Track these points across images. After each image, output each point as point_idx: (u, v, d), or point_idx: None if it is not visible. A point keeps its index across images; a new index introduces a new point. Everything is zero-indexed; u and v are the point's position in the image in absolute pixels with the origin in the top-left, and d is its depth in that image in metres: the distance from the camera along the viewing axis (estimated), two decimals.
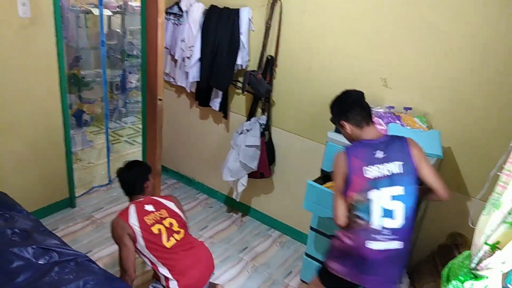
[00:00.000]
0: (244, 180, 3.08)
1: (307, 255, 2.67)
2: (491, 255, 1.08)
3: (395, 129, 2.28)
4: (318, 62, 2.74)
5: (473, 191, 2.39)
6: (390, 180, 1.77)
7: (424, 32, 2.31)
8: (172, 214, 2.26)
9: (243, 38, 2.94)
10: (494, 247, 1.08)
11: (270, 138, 3.09)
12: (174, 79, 3.44)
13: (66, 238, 2.87)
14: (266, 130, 3.04)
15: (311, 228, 2.59)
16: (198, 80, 3.18)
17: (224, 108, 3.26)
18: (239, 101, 3.25)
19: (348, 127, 1.90)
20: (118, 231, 2.14)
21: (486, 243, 1.10)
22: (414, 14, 2.32)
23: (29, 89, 2.74)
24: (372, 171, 1.78)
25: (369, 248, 1.77)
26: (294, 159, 3.08)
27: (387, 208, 1.76)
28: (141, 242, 2.11)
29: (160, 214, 2.22)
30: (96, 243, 2.93)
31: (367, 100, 1.98)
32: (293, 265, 2.98)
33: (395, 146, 1.82)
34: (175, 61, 3.36)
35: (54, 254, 2.02)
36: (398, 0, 2.35)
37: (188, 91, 3.36)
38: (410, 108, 2.43)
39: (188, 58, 3.17)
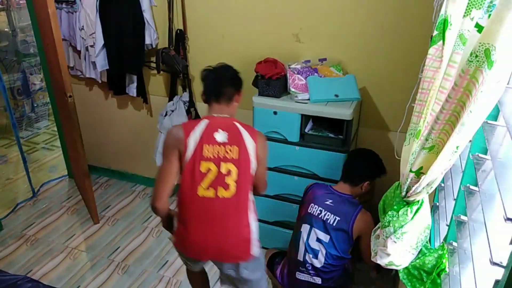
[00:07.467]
0: None
1: None
2: (418, 180, 1.16)
3: (314, 81, 2.33)
4: (230, 28, 2.69)
5: (393, 125, 2.55)
6: (323, 225, 2.00)
7: None
8: (241, 159, 1.67)
9: (146, 15, 2.77)
10: (419, 173, 1.15)
11: (196, 114, 3.02)
12: (81, 71, 3.19)
13: (1, 263, 2.64)
14: (191, 107, 2.96)
15: None
16: (107, 68, 2.98)
17: (143, 92, 3.10)
18: (157, 82, 3.11)
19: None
20: (170, 140, 1.72)
21: (411, 171, 1.18)
22: None
23: None
24: (315, 210, 2.04)
25: (298, 279, 2.07)
26: None
27: (312, 247, 2.02)
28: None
29: (227, 151, 1.67)
30: (35, 261, 2.73)
31: (284, 57, 2.22)
32: None
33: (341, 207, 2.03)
34: (78, 52, 3.10)
35: None
36: None
37: (100, 81, 3.15)
38: (325, 59, 2.49)
39: (92, 46, 2.94)
